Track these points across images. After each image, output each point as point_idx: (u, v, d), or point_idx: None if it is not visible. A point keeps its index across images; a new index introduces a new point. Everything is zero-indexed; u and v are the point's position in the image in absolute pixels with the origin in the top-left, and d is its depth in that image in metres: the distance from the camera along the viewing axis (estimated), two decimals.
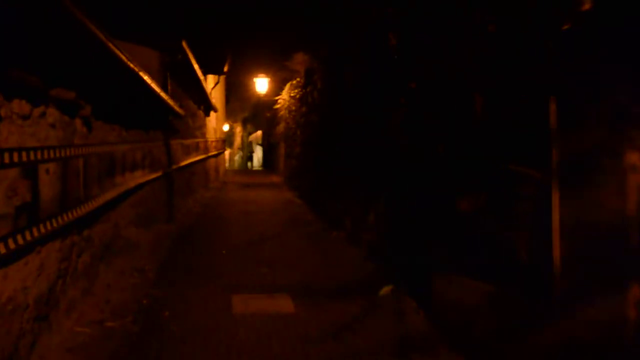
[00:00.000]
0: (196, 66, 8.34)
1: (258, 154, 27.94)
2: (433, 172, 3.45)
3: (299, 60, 15.39)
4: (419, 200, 3.75)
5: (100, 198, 3.86)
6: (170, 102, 6.13)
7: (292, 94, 12.99)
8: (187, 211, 8.19)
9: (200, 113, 11.53)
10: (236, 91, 23.95)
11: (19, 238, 2.34)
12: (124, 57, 3.89)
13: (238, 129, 33.36)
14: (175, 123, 7.83)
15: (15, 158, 2.33)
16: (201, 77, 9.26)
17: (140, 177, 5.47)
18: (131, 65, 4.18)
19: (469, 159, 2.89)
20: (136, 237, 5.45)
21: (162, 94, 5.61)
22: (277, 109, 15.74)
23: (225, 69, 12.75)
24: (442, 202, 3.30)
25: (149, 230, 6.03)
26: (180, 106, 8.41)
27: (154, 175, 6.10)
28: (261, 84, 14.65)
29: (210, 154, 13.10)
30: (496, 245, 2.61)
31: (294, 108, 12.66)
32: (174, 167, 7.74)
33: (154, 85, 5.23)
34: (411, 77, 3.62)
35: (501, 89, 2.57)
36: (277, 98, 15.00)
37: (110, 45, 3.41)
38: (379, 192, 5.07)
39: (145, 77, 4.81)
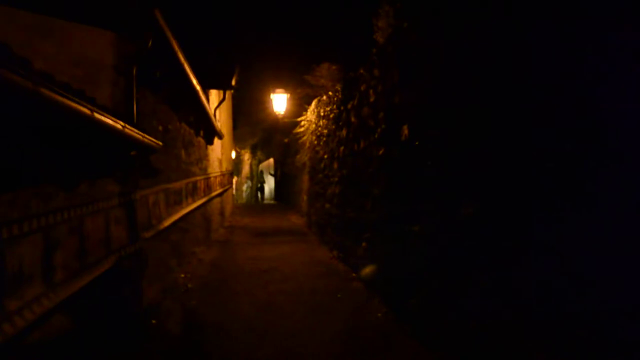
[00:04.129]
0: (187, 67, 5.15)
1: (270, 184, 24.71)
2: None
3: (324, 73, 12.33)
4: None
5: None
6: (128, 129, 2.90)
7: (321, 113, 9.83)
8: (167, 311, 4.84)
9: (200, 141, 8.33)
10: (244, 115, 20.89)
11: None
12: None
13: (246, 156, 30.20)
14: (151, 160, 4.62)
15: None
16: (197, 87, 6.08)
17: (22, 313, 2.21)
18: None
19: None
20: None
21: (99, 116, 2.38)
22: (298, 133, 12.56)
23: (234, 82, 9.60)
24: None
25: None
26: (165, 131, 5.21)
27: (80, 283, 2.84)
28: (279, 102, 11.46)
29: (214, 193, 9.86)
30: None
31: (325, 132, 9.45)
32: (148, 234, 4.49)
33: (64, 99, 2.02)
34: None
35: None
36: (299, 119, 11.83)
37: None
38: None
39: None
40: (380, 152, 5.77)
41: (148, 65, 4.25)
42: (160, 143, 4.11)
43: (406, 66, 4.90)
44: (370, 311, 4.88)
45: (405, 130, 4.86)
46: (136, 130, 3.14)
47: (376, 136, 6.02)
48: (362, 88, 6.91)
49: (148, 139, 3.55)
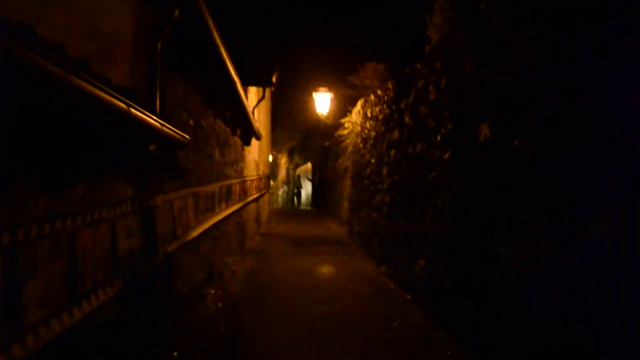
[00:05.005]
0: (224, 52, 4.40)
1: (307, 189, 23.97)
2: None
3: (369, 74, 11.51)
4: None
5: None
6: (135, 110, 2.13)
7: (368, 114, 8.96)
8: (191, 341, 4.04)
9: (236, 141, 7.62)
10: (282, 117, 20.24)
11: None
12: None
13: (283, 160, 29.59)
14: (177, 158, 3.88)
15: None
16: (235, 77, 5.33)
17: None
18: None
19: None
20: None
21: (82, 83, 1.61)
22: (340, 136, 11.73)
23: (274, 79, 8.87)
24: None
25: None
26: (197, 126, 4.48)
27: (68, 322, 2.08)
28: (322, 101, 10.66)
29: (250, 198, 9.14)
30: None
31: (372, 134, 8.59)
32: (171, 247, 3.75)
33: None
34: None
35: None
36: (342, 121, 11.00)
37: None
38: None
39: None
40: (446, 155, 4.87)
41: (177, 44, 3.51)
42: (187, 137, 3.34)
43: (485, 54, 3.99)
44: (437, 348, 3.96)
45: (485, 129, 3.95)
46: (151, 115, 2.38)
47: (439, 138, 5.13)
48: (419, 85, 6.03)
49: (169, 128, 2.78)
